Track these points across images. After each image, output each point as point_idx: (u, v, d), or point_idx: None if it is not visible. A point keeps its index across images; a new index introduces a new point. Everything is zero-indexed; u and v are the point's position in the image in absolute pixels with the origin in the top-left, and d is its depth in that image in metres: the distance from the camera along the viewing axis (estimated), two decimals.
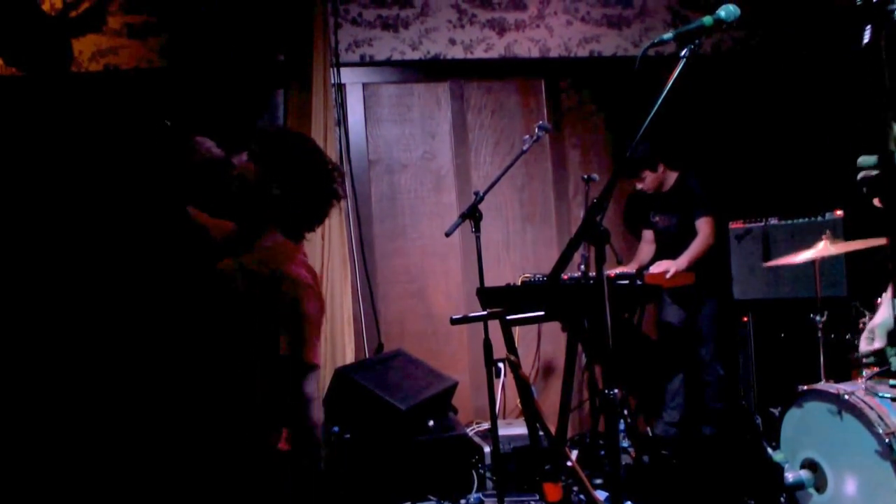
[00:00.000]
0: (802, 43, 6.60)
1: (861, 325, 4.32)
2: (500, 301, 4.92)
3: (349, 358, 5.84)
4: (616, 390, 2.94)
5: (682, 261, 5.71)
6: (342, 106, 6.21)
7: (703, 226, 5.87)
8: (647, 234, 6.40)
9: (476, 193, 4.72)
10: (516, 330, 5.66)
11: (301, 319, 2.72)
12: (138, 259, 5.49)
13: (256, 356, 2.73)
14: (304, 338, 2.73)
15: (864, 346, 4.06)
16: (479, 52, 6.44)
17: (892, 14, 2.40)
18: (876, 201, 3.74)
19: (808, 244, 4.80)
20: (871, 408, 3.78)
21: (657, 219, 6.21)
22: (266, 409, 2.78)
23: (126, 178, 5.63)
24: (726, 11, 2.84)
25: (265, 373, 2.74)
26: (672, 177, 6.10)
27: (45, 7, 5.58)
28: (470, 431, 5.64)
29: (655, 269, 5.66)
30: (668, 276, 5.56)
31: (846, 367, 4.63)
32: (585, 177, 5.74)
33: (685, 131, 6.32)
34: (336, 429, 4.95)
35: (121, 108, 5.79)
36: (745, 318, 5.91)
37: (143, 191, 5.59)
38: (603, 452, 5.35)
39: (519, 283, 5.65)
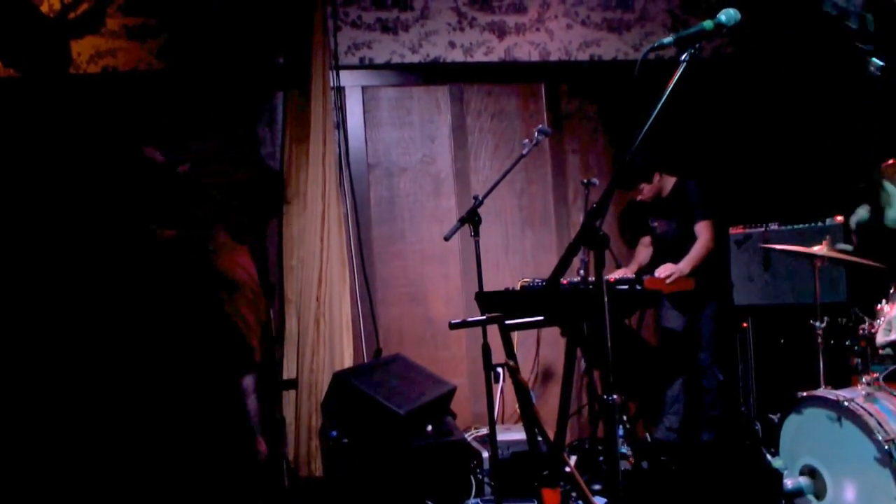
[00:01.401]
0: (802, 47, 6.58)
1: (861, 331, 4.30)
2: (498, 305, 4.90)
3: (347, 362, 5.83)
4: (615, 396, 2.93)
5: (685, 265, 5.70)
6: (341, 109, 6.19)
7: (703, 230, 5.86)
8: (645, 238, 6.39)
9: (475, 198, 4.70)
10: (515, 335, 5.64)
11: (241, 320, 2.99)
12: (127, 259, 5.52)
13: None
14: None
15: (882, 337, 4.05)
16: (478, 56, 6.42)
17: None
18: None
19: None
20: (871, 414, 3.77)
21: (656, 224, 6.20)
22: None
23: (115, 181, 5.65)
24: (727, 15, 2.84)
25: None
26: (670, 182, 6.09)
27: (44, 8, 5.56)
28: (468, 436, 5.61)
29: (659, 272, 5.64)
30: (669, 280, 5.54)
31: (846, 373, 4.61)
32: (585, 181, 5.72)
33: (685, 136, 6.30)
34: (334, 433, 4.93)
35: (119, 111, 5.79)
36: (745, 324, 5.90)
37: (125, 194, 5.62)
38: (602, 458, 5.34)
39: (518, 287, 5.63)
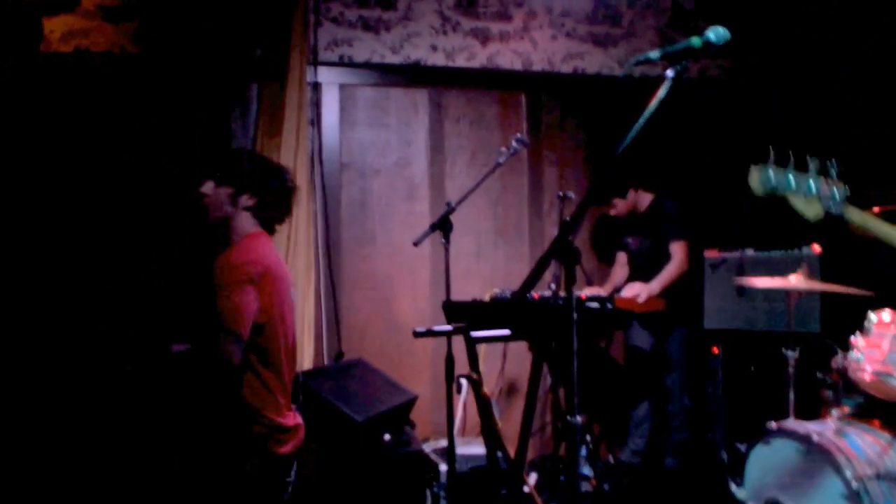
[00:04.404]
0: (781, 71, 6.53)
1: (833, 363, 4.23)
2: (466, 316, 4.80)
3: (307, 364, 5.70)
4: (579, 417, 2.82)
5: (655, 285, 5.61)
6: (317, 106, 6.08)
7: (677, 251, 5.78)
8: (621, 257, 6.30)
9: (448, 204, 4.61)
10: (481, 347, 5.55)
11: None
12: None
13: None
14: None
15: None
16: (460, 61, 6.31)
17: None
18: None
19: (784, 277, 4.71)
20: (841, 450, 3.71)
21: (630, 240, 6.13)
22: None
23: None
24: (716, 34, 2.77)
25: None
26: (646, 199, 6.01)
27: None
28: (427, 448, 5.49)
29: (627, 291, 5.56)
30: (639, 300, 5.45)
31: (816, 405, 4.53)
32: (561, 194, 5.63)
33: (664, 154, 6.22)
34: None
35: (89, 93, 5.66)
36: (716, 349, 5.81)
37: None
38: (563, 477, 5.25)
39: (487, 298, 5.53)
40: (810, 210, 2.68)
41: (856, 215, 2.81)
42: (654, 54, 2.83)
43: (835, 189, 2.68)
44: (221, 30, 5.83)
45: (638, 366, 6.03)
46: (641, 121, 2.67)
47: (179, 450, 3.81)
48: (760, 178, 2.69)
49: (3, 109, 5.44)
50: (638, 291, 5.51)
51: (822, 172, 2.79)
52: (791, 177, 2.69)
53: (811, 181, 2.65)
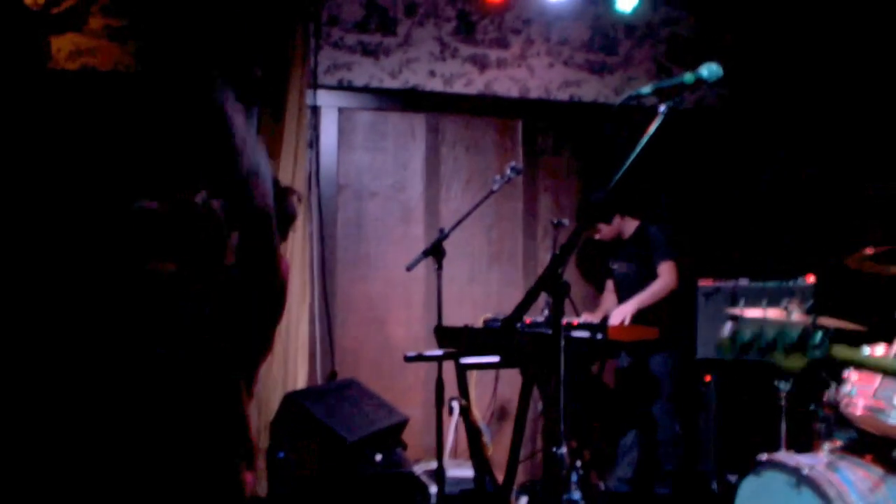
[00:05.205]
0: (780, 103, 6.57)
1: (826, 396, 4.23)
2: (457, 341, 4.83)
3: (300, 383, 5.72)
4: (565, 446, 2.85)
5: (635, 302, 5.60)
6: (315, 128, 6.12)
7: (664, 271, 5.75)
8: (610, 284, 6.31)
9: (441, 230, 4.65)
10: (473, 371, 5.56)
11: None
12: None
13: None
14: None
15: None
16: (458, 87, 6.36)
17: None
18: None
19: (777, 308, 4.71)
20: (832, 484, 3.69)
21: (616, 266, 6.13)
22: None
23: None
24: (708, 71, 2.82)
25: None
26: (632, 225, 6.02)
27: (28, 1, 5.47)
28: (419, 469, 5.51)
29: (613, 319, 5.54)
30: (622, 323, 5.45)
31: (808, 437, 4.54)
32: (555, 221, 5.67)
33: (655, 182, 6.24)
34: (282, 454, 4.84)
35: (94, 110, 5.69)
36: (708, 378, 5.82)
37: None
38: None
39: (480, 323, 5.55)
40: (792, 362, 2.47)
41: (844, 353, 2.66)
42: (646, 90, 2.88)
43: (817, 333, 2.47)
44: (222, 51, 5.87)
45: (626, 392, 6.04)
46: (633, 156, 2.71)
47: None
48: (730, 344, 2.50)
49: (11, 123, 5.48)
50: (622, 316, 5.53)
51: (803, 313, 2.63)
52: (768, 329, 2.49)
53: (791, 331, 2.45)
